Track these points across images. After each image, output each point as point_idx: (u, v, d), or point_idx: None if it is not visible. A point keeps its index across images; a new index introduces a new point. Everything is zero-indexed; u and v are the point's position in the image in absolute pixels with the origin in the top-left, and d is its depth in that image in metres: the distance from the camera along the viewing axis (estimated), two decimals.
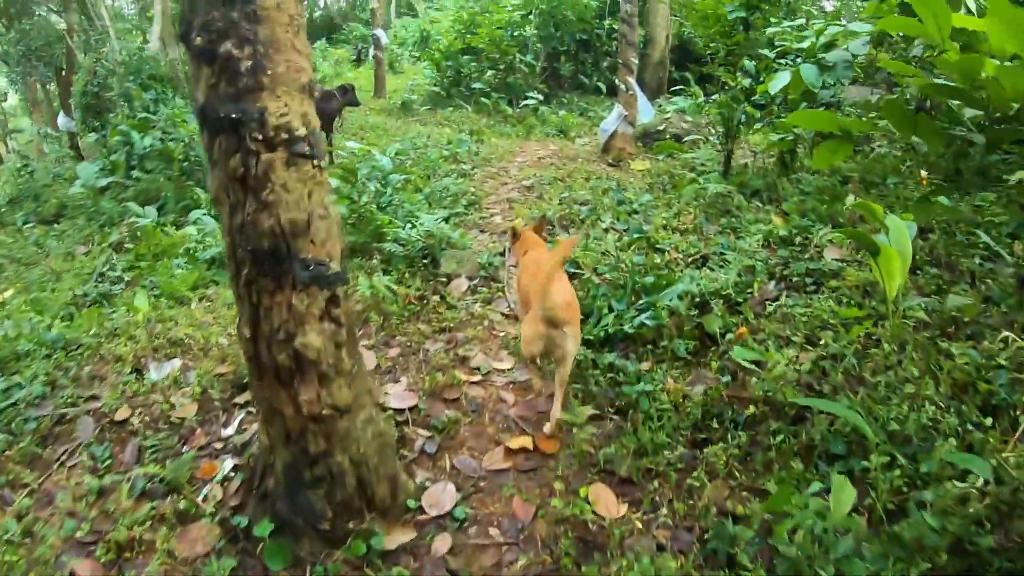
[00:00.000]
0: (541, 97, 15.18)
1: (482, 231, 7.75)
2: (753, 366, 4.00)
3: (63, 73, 21.86)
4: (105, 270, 8.23)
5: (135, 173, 10.95)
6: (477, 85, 16.74)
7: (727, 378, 4.13)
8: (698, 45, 15.65)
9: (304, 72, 2.90)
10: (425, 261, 6.51)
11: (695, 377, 4.29)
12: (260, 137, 2.71)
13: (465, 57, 17.93)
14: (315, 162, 2.88)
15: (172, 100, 14.46)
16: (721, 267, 5.54)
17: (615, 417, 4.13)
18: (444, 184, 9.18)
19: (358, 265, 6.58)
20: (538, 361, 4.25)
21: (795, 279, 5.07)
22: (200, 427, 4.36)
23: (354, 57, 29.36)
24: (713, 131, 10.40)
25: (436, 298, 5.87)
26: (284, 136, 2.76)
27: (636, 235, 6.32)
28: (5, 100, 35.34)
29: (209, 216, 9.36)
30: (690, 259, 5.87)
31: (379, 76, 21.37)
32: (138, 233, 8.91)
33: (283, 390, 3.05)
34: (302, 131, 2.82)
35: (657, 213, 7.13)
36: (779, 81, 6.12)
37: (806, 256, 5.38)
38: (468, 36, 17.96)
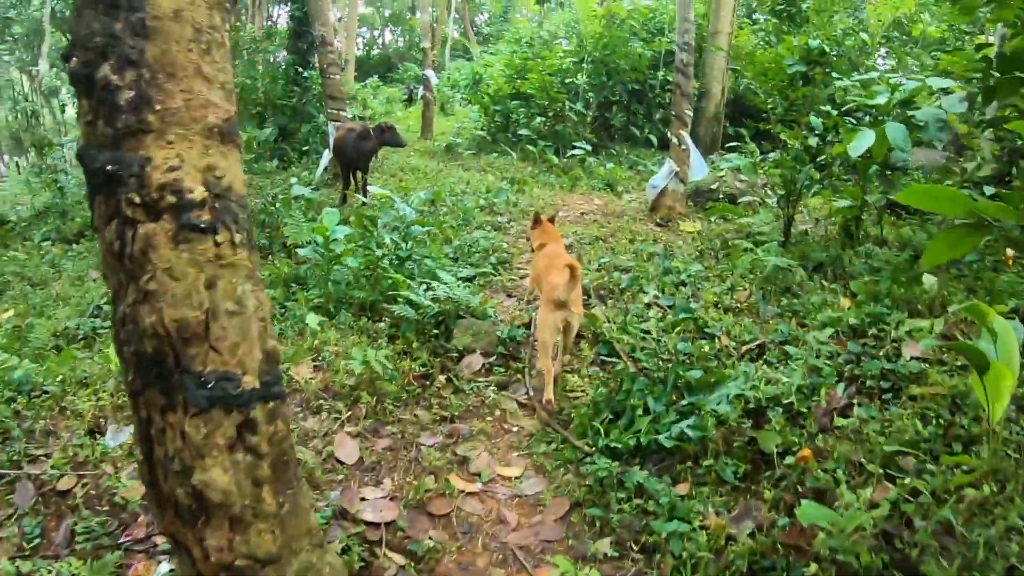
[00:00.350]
0: (589, 147, 14.35)
1: (509, 295, 6.95)
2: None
3: None
4: (103, 303, 7.66)
5: None
6: (524, 131, 16.00)
7: (784, 519, 3.21)
8: (754, 100, 14.82)
9: (215, 108, 2.03)
10: (437, 331, 5.70)
11: (743, 511, 3.38)
12: (138, 200, 1.88)
13: (514, 102, 17.25)
14: (220, 238, 2.04)
15: None
16: (781, 362, 4.65)
17: (638, 557, 3.27)
18: (475, 237, 8.42)
19: (362, 328, 5.79)
20: (550, 352, 4.76)
21: (868, 382, 4.20)
22: (144, 514, 3.62)
23: (405, 97, 28.98)
24: (770, 193, 9.65)
25: (443, 378, 5.05)
26: (171, 199, 1.92)
27: (683, 314, 5.45)
28: (63, 112, 35.68)
29: None
30: (744, 348, 4.98)
31: (427, 117, 20.84)
32: None
33: (187, 528, 2.22)
34: (199, 194, 1.98)
35: (708, 287, 6.26)
36: (861, 141, 5.23)
37: (881, 352, 4.50)
38: (518, 81, 17.31)
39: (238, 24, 25.67)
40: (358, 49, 51.83)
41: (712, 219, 9.72)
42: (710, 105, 14.59)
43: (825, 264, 6.60)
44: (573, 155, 14.02)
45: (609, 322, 5.69)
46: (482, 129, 18.20)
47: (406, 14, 40.92)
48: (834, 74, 11.51)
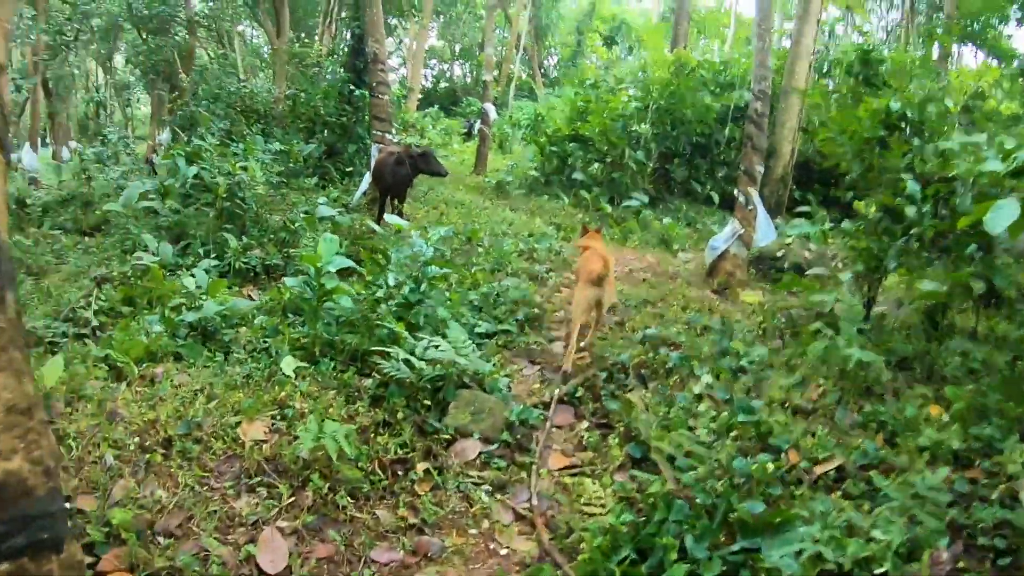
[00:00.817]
0: (646, 199, 13.20)
1: (532, 362, 5.84)
2: None
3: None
4: (80, 306, 6.78)
5: (169, 203, 9.61)
6: (579, 176, 14.92)
7: None
8: (825, 163, 13.64)
9: None
10: (430, 401, 4.57)
11: None
12: None
13: (572, 144, 16.18)
14: None
15: (259, 135, 13.68)
16: (867, 498, 3.47)
17: None
18: (506, 286, 7.34)
19: (345, 382, 4.72)
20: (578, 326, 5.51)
21: (979, 537, 3.16)
22: None
23: (465, 130, 28.18)
24: (841, 267, 8.50)
25: (423, 467, 3.94)
26: None
27: (742, 415, 4.25)
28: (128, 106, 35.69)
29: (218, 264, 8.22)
30: (818, 470, 3.78)
31: (481, 152, 19.93)
32: (137, 271, 7.58)
33: None
34: None
35: (773, 377, 5.05)
36: (1002, 214, 4.00)
37: (994, 494, 3.39)
38: (578, 123, 16.28)
39: (307, 41, 25.21)
40: (427, 81, 51.68)
41: (777, 290, 8.63)
42: (778, 165, 13.37)
43: (911, 359, 5.45)
44: (628, 206, 12.87)
45: (647, 411, 4.54)
46: (536, 169, 17.17)
47: (476, 49, 40.24)
48: (915, 140, 10.45)
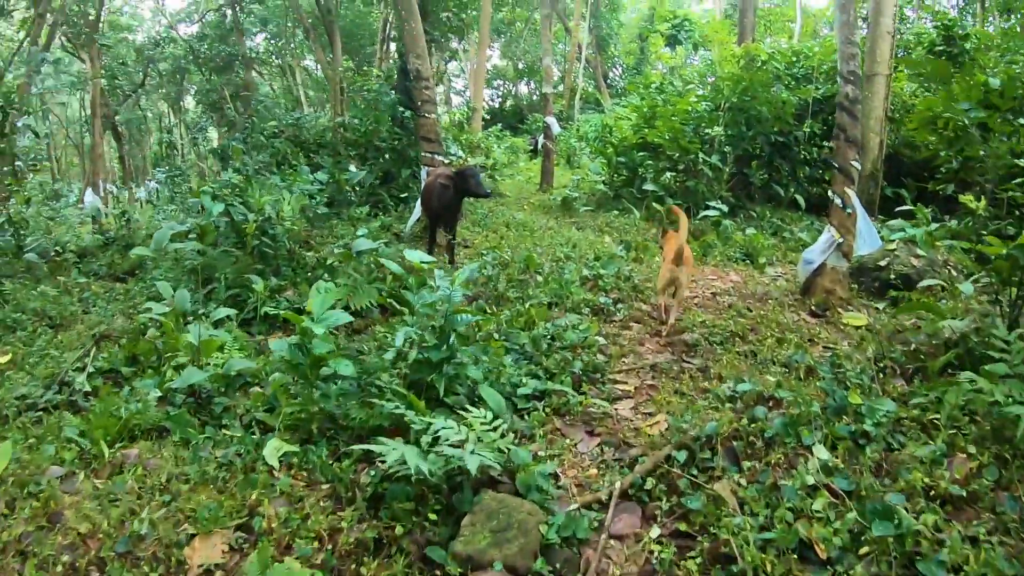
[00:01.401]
0: (725, 208, 11.82)
1: (590, 433, 4.66)
2: None
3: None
4: (75, 368, 6.06)
5: (195, 243, 8.77)
6: (650, 187, 13.62)
7: None
8: (917, 154, 12.22)
9: None
10: (440, 506, 3.50)
11: None
12: None
13: (640, 154, 14.93)
14: None
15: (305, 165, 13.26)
16: None
17: None
18: (564, 324, 6.24)
19: (339, 474, 3.74)
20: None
21: None
22: None
23: (531, 147, 27.19)
24: (956, 273, 7.78)
25: None
26: None
27: (878, 525, 3.03)
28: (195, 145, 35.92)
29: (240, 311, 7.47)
30: None
31: (546, 168, 18.89)
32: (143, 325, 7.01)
33: None
34: None
35: (908, 447, 3.81)
36: None
37: None
38: (646, 130, 14.99)
39: (365, 70, 24.64)
40: (493, 101, 51.03)
41: (881, 306, 7.39)
42: (866, 161, 11.86)
43: None
44: (706, 216, 11.57)
45: (742, 511, 3.41)
46: (604, 183, 15.98)
47: (539, 66, 39.28)
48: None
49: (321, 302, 4.59)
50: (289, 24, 30.00)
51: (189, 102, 38.19)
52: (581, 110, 33.17)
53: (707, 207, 11.85)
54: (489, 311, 7.25)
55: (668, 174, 14.02)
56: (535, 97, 44.29)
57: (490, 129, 28.18)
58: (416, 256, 5.40)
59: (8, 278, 9.87)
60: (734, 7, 32.85)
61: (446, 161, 12.54)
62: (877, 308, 7.54)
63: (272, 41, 36.74)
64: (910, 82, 14.36)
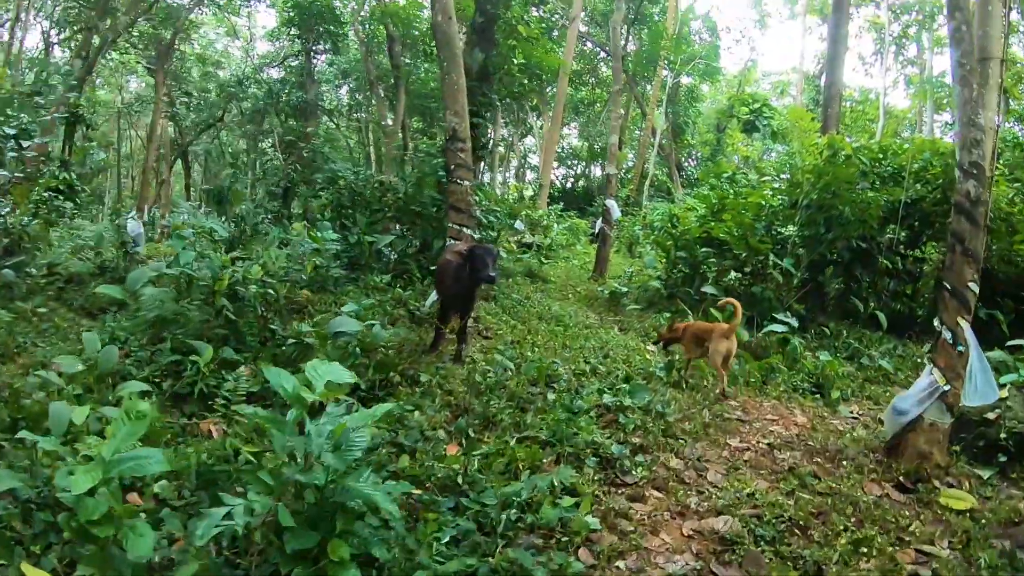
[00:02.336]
0: (795, 322, 9.75)
1: None
2: None
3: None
4: None
5: (157, 291, 7.78)
6: (710, 289, 11.39)
7: None
8: (1013, 270, 10.24)
9: None
10: None
11: None
12: None
13: (704, 249, 12.90)
14: None
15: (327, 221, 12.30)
16: None
17: None
18: (545, 487, 4.42)
19: None
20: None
21: None
22: None
23: (592, 232, 25.47)
24: None
25: None
26: None
27: None
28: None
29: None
30: None
31: (601, 255, 17.10)
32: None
33: None
34: None
35: None
36: None
37: None
38: (713, 223, 13.01)
39: (434, 131, 23.67)
40: (566, 180, 49.86)
41: (990, 477, 5.49)
42: None
43: None
44: (772, 331, 9.54)
45: None
46: (659, 278, 14.06)
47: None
48: None
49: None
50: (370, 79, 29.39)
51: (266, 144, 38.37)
52: (651, 197, 31.46)
53: (773, 319, 9.88)
54: (469, 436, 5.63)
55: (732, 274, 12.12)
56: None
57: (552, 207, 26.64)
58: (323, 372, 3.67)
59: None
60: (815, 102, 31.03)
61: (476, 236, 10.89)
62: (982, 479, 5.56)
63: (354, 95, 36.41)
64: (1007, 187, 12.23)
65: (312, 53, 28.26)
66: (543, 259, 18.83)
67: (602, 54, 36.14)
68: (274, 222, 15.57)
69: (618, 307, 12.72)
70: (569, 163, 53.57)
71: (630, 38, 33.77)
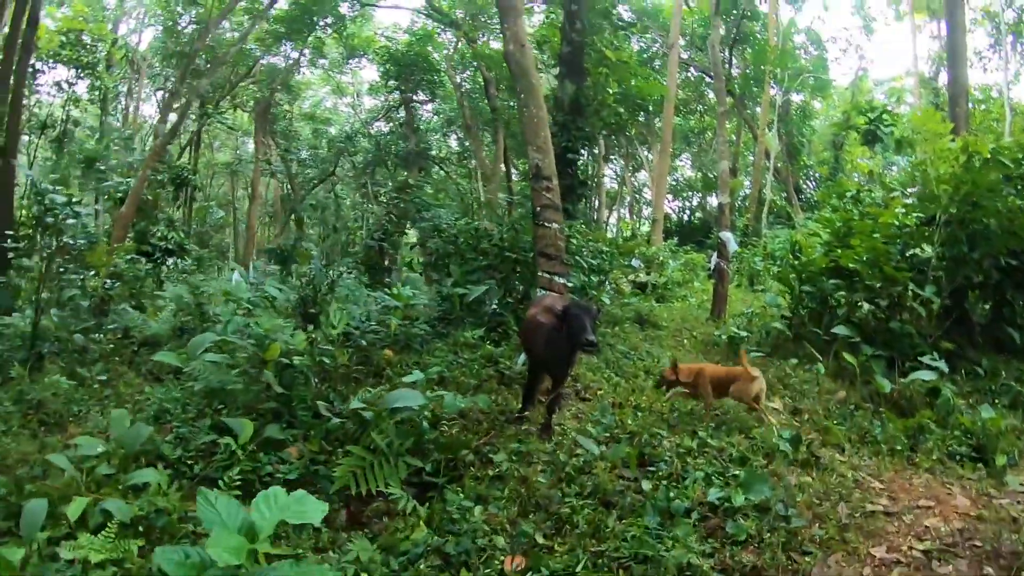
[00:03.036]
0: (944, 366, 8.02)
1: None
2: None
3: None
4: None
5: (211, 357, 7.19)
6: (841, 330, 9.76)
7: None
8: None
9: None
10: None
11: None
12: None
13: (832, 281, 11.09)
14: None
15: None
16: None
17: None
18: None
19: None
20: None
21: None
22: None
23: (709, 267, 23.95)
24: None
25: None
26: None
27: None
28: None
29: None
30: None
31: (719, 294, 15.38)
32: None
33: None
34: None
35: None
36: None
37: None
38: (839, 250, 11.12)
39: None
40: (682, 213, 48.27)
41: None
42: None
43: None
44: (916, 378, 7.96)
45: None
46: (782, 317, 12.47)
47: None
48: None
49: None
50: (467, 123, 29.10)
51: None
52: (770, 224, 29.54)
53: (917, 361, 8.30)
54: (536, 543, 4.70)
55: (865, 307, 10.53)
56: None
57: (667, 242, 25.25)
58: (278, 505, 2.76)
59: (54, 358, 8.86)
60: (935, 107, 28.50)
61: (569, 284, 9.79)
62: None
63: (462, 142, 36.33)
64: None
65: (412, 103, 28.15)
66: (658, 299, 17.53)
67: (707, 79, 34.62)
68: (370, 278, 14.98)
69: (737, 354, 11.32)
70: (684, 195, 52.00)
71: (733, 59, 32.19)
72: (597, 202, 50.25)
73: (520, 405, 7.57)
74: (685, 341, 12.85)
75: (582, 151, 12.60)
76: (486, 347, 9.66)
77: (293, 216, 32.85)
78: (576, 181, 12.39)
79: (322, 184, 35.09)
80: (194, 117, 25.59)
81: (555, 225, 9.66)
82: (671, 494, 5.21)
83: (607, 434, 6.60)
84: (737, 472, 5.58)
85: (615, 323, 13.00)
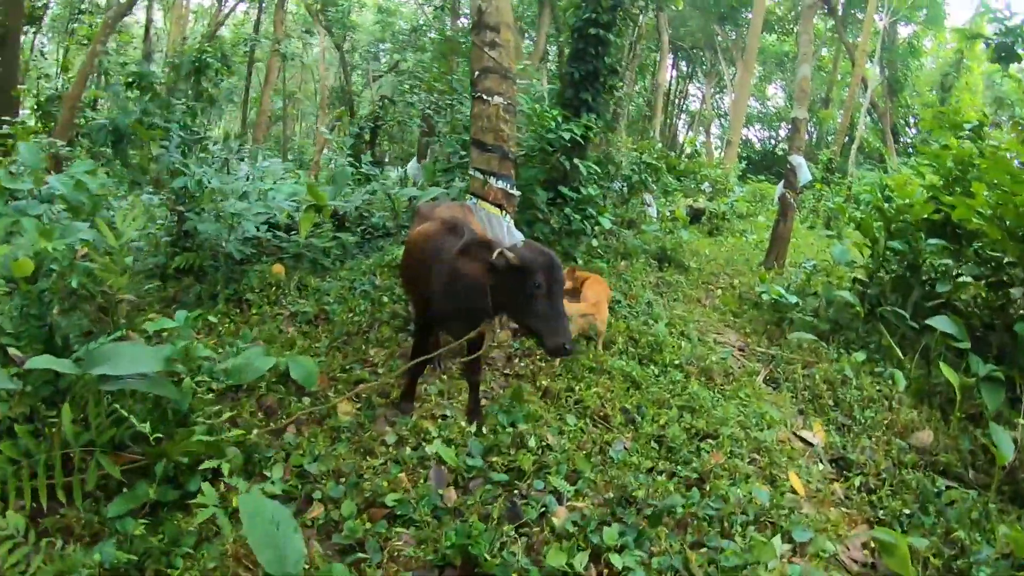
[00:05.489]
0: None
1: None
2: None
3: None
4: None
5: None
6: (939, 323, 5.79)
7: None
8: None
9: None
10: None
11: None
12: None
13: (932, 241, 7.17)
14: None
15: None
16: None
17: None
18: None
19: None
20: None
21: None
22: None
23: (777, 197, 19.79)
24: None
25: None
26: None
27: None
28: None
29: None
30: None
31: (778, 234, 11.34)
32: None
33: None
34: None
35: None
36: None
37: None
38: (950, 197, 6.94)
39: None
40: (770, 143, 43.96)
41: None
42: None
43: None
44: None
45: None
46: (854, 283, 8.51)
47: (819, 105, 30.76)
48: None
49: None
50: None
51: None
52: (859, 164, 24.83)
53: None
54: None
55: (968, 281, 6.72)
56: (814, 139, 35.37)
57: (734, 166, 21.20)
58: None
59: None
60: None
61: (514, 192, 6.19)
62: None
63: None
64: None
65: None
66: (711, 232, 13.83)
67: None
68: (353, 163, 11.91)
69: (780, 328, 7.55)
70: (775, 125, 47.15)
71: None
72: (678, 122, 45.73)
73: (404, 386, 4.43)
74: (718, 292, 9.16)
75: (612, 29, 8.69)
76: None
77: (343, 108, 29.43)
78: (603, 65, 8.62)
79: (383, 78, 31.48)
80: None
81: (497, 99, 5.98)
82: None
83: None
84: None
85: (626, 256, 9.33)
